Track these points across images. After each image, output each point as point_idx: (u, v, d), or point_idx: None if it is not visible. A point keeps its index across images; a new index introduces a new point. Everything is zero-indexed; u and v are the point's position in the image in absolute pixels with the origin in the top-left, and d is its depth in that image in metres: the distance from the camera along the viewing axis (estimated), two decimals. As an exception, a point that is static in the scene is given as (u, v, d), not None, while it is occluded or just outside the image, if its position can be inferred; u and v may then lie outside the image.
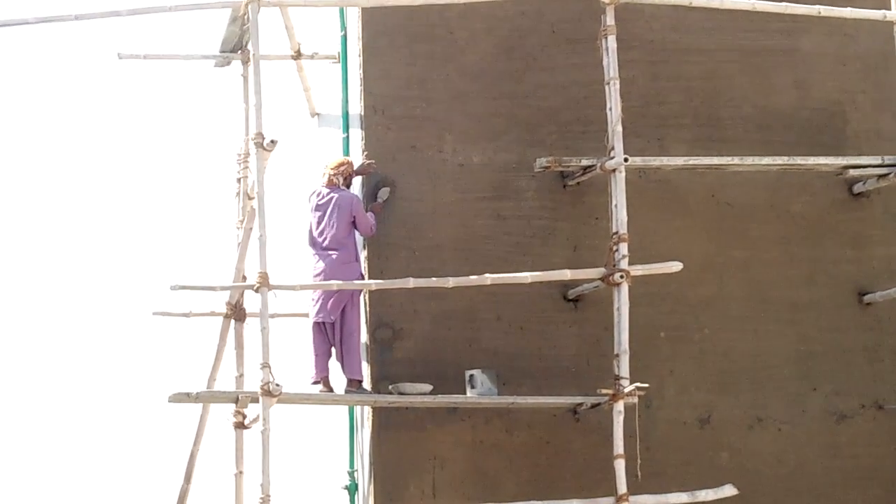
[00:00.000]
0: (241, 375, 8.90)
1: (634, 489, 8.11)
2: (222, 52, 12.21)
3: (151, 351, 17.18)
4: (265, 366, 7.52)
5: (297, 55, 9.76)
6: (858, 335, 9.80)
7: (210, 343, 9.33)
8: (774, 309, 9.69)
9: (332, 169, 8.67)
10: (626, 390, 8.02)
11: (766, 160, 9.30)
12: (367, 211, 8.88)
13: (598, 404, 8.25)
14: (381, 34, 9.20)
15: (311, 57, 9.91)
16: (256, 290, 7.84)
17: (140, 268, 18.22)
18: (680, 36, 9.60)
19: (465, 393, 8.39)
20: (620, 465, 7.85)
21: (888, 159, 9.38)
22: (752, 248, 9.66)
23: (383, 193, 9.05)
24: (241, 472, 8.46)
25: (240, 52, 10.76)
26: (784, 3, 9.13)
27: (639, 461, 8.15)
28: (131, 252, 18.84)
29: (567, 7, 9.18)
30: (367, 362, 8.68)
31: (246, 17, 8.57)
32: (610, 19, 8.37)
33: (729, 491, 8.22)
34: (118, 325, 18.60)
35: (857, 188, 9.77)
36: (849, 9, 9.24)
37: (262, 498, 7.50)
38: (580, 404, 8.45)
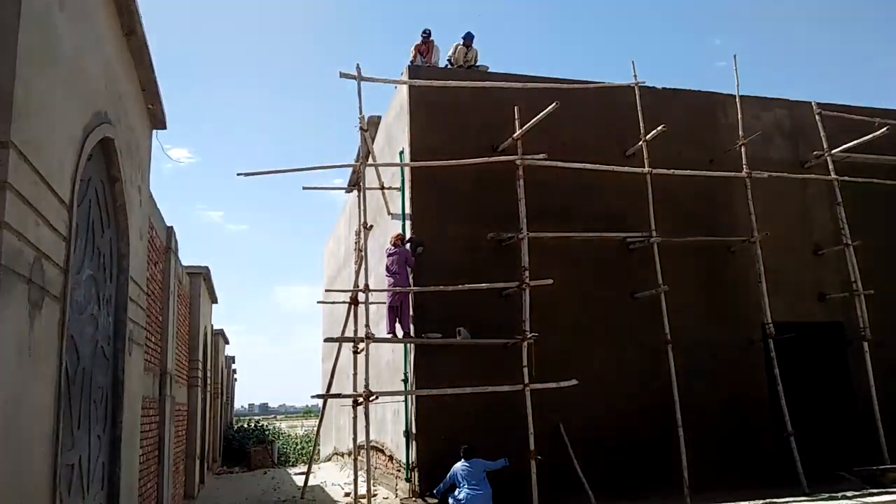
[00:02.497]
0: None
1: (531, 382, 9.47)
2: (349, 185, 13.70)
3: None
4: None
5: (382, 187, 11.33)
6: (631, 313, 10.98)
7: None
8: (596, 299, 10.90)
9: (394, 237, 10.38)
10: (529, 336, 9.55)
11: (589, 234, 10.82)
12: (413, 255, 10.23)
13: (515, 343, 9.70)
14: (419, 178, 10.63)
15: (388, 188, 11.40)
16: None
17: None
18: (552, 178, 10.82)
19: (456, 337, 9.94)
20: (526, 372, 9.48)
21: (642, 235, 10.90)
22: (585, 273, 10.99)
23: (420, 250, 10.38)
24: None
25: (357, 185, 11.39)
26: (590, 164, 10.62)
27: (534, 368, 9.52)
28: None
29: (502, 165, 10.36)
30: (413, 324, 10.13)
31: (360, 170, 10.21)
32: (520, 171, 10.14)
33: (573, 382, 9.67)
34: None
35: (632, 247, 11.20)
36: (626, 168, 10.91)
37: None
38: (507, 343, 9.90)
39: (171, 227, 9.91)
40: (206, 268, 14.01)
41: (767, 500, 6.08)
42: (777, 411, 10.98)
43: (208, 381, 16.99)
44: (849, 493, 7.02)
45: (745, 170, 11.58)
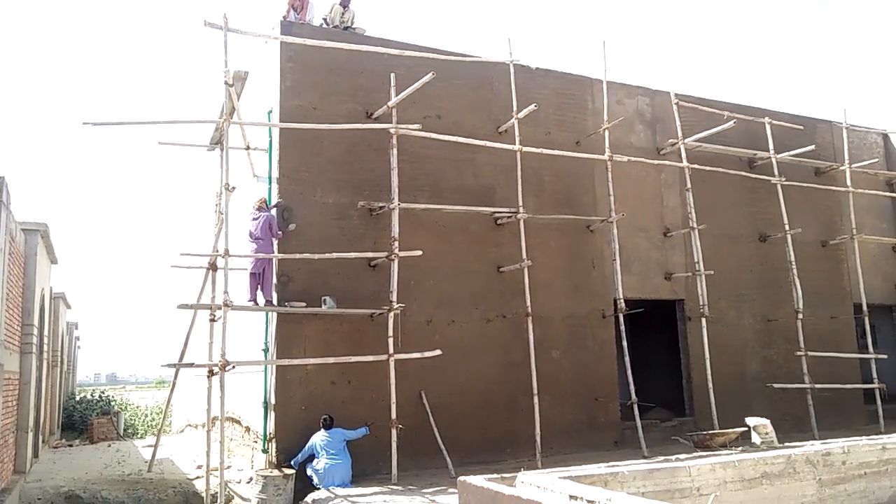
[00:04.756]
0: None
1: (396, 352, 9.68)
2: (211, 143, 13.09)
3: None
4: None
5: (248, 147, 10.93)
6: (496, 285, 11.40)
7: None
8: (463, 271, 11.17)
9: (258, 202, 10.08)
10: (396, 306, 9.71)
11: (459, 207, 10.97)
12: (281, 228, 9.94)
13: (381, 313, 9.82)
14: (288, 140, 10.33)
15: (255, 149, 10.99)
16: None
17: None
18: (425, 150, 10.97)
19: (321, 306, 9.87)
20: (391, 342, 9.62)
21: (511, 210, 11.15)
22: (454, 245, 11.16)
23: (292, 227, 10.09)
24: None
25: (219, 143, 11.17)
26: (463, 138, 10.81)
27: (400, 338, 9.88)
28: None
29: (376, 133, 10.43)
30: (276, 292, 9.90)
31: (223, 128, 9.77)
32: (394, 140, 10.09)
33: (437, 352, 9.91)
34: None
35: (500, 222, 11.48)
36: (498, 143, 11.12)
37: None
38: (373, 313, 10.03)
39: (3, 178, 8.97)
40: (45, 224, 12.85)
41: (610, 463, 6.56)
42: (624, 380, 11.75)
43: (45, 349, 15.73)
44: (682, 456, 7.73)
45: (607, 153, 12.11)
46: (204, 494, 9.16)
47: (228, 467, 10.40)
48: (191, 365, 9.72)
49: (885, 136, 17.30)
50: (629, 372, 11.50)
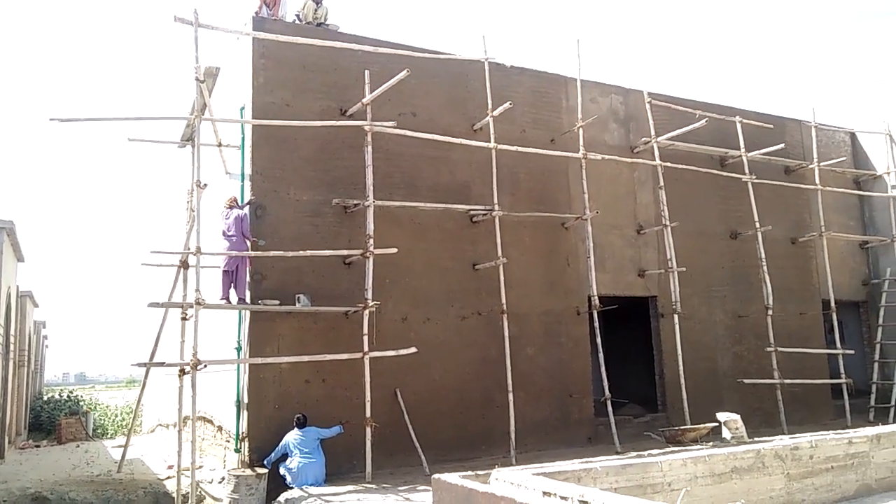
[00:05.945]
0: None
1: (371, 350, 9.63)
2: (182, 140, 12.96)
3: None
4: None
5: (220, 144, 10.89)
6: (471, 282, 11.43)
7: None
8: (439, 269, 11.19)
9: (229, 200, 10.04)
10: (371, 304, 9.70)
11: (434, 205, 10.94)
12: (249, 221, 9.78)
13: (356, 311, 9.80)
14: (261, 137, 10.22)
15: (227, 146, 10.95)
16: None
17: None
18: (400, 147, 10.97)
19: (294, 304, 9.79)
20: (366, 340, 9.60)
21: (486, 208, 11.20)
22: (429, 243, 11.17)
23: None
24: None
25: (191, 140, 11.13)
26: (438, 136, 10.77)
27: (375, 336, 9.82)
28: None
29: (350, 130, 10.37)
30: (249, 290, 9.86)
31: (194, 124, 9.68)
32: (369, 137, 10.04)
33: (413, 350, 9.95)
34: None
35: (475, 219, 11.50)
36: (473, 141, 11.22)
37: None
38: (348, 311, 10.00)
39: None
40: (11, 222, 12.61)
41: (584, 460, 6.63)
42: (597, 377, 11.86)
43: (11, 348, 15.45)
44: (654, 452, 7.83)
45: (581, 151, 12.19)
46: (175, 495, 9.09)
47: (200, 467, 10.40)
48: (162, 364, 9.67)
49: (853, 135, 17.63)
50: (603, 368, 11.62)
